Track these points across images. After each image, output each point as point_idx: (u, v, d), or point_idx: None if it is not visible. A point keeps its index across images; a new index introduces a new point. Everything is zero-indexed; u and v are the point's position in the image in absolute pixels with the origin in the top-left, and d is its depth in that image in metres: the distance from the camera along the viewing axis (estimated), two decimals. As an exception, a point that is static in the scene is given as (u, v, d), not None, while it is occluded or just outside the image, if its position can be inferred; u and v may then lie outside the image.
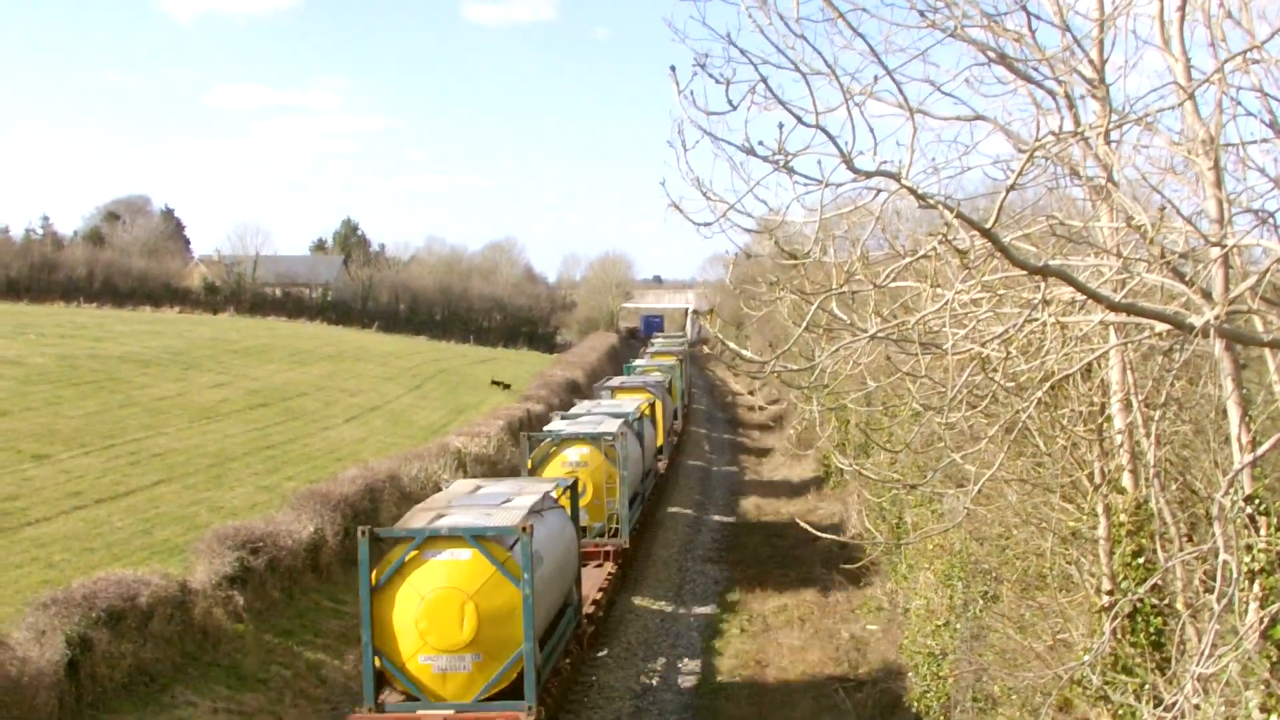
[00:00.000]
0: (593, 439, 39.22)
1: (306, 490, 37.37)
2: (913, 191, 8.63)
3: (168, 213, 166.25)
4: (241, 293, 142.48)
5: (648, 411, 52.80)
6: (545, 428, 43.15)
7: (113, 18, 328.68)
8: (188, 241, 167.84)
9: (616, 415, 44.52)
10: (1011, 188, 9.36)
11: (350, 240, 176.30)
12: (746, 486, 63.27)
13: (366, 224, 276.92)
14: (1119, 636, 14.61)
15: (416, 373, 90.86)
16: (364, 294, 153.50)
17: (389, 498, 40.09)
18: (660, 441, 58.53)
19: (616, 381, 63.81)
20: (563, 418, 45.81)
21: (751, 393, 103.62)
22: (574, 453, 38.89)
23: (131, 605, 25.71)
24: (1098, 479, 16.17)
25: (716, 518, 55.14)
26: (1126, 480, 15.38)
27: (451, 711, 23.26)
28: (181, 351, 79.33)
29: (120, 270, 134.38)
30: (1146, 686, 14.09)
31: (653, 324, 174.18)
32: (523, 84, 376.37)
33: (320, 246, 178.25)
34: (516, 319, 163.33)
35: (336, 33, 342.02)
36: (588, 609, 32.55)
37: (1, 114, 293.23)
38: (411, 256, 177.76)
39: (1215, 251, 9.92)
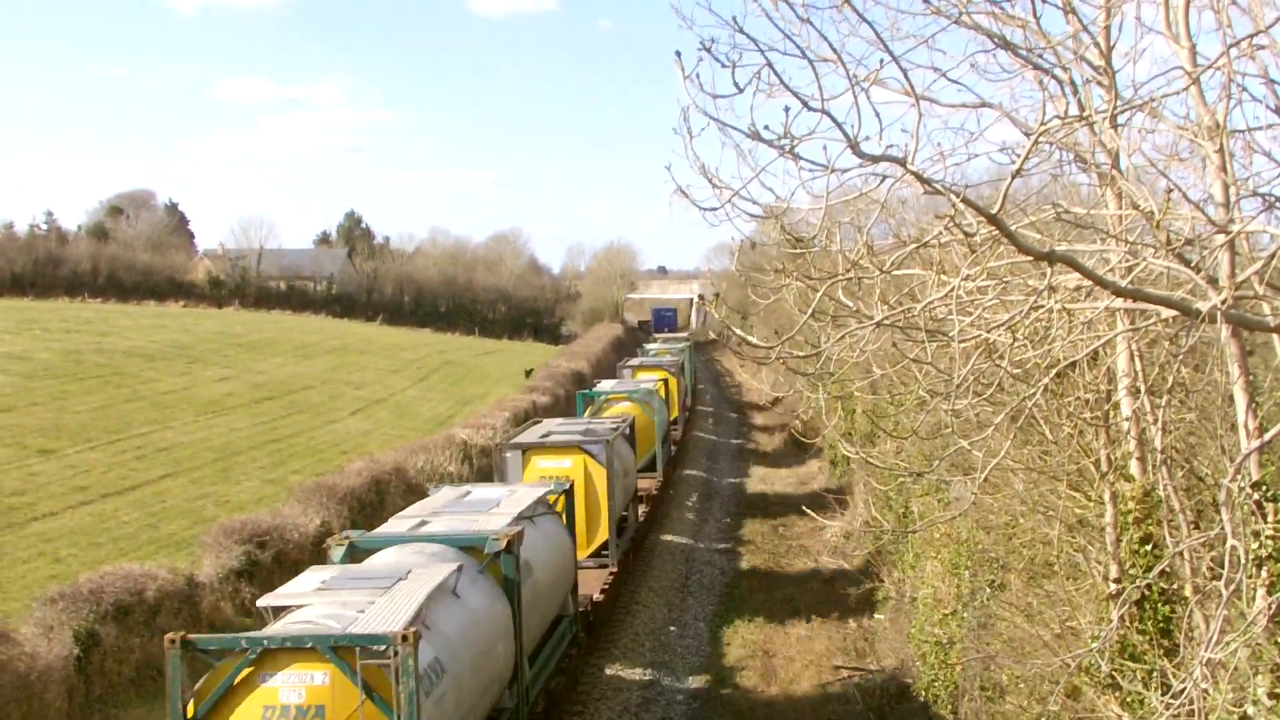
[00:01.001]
0: (338, 653, 16.03)
1: (312, 483, 37.46)
2: (918, 176, 8.61)
3: (172, 207, 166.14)
4: (246, 286, 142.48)
5: (559, 505, 29.94)
6: (264, 600, 18.57)
7: (116, 13, 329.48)
8: (192, 235, 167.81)
9: (461, 541, 22.12)
10: (1017, 173, 9.33)
11: (354, 233, 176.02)
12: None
13: (370, 217, 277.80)
14: (1127, 623, 14.58)
15: (421, 365, 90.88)
16: (368, 287, 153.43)
17: (395, 490, 40.17)
18: (599, 538, 35.03)
19: (540, 431, 37.88)
20: (343, 539, 22.09)
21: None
22: (290, 691, 16.09)
23: (139, 599, 25.77)
24: (1104, 466, 16.14)
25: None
26: (1133, 467, 15.35)
27: None
28: (186, 346, 79.41)
29: (124, 265, 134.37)
30: (1155, 673, 14.07)
31: (664, 317, 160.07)
32: (526, 76, 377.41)
33: (324, 240, 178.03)
34: (521, 310, 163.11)
35: (340, 27, 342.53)
36: None
37: (6, 109, 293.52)
38: (416, 249, 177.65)
39: (1221, 237, 9.90)
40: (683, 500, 54.97)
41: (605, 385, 57.31)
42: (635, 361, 71.35)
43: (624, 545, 37.65)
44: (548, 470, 34.04)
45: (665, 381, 61.10)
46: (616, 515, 35.95)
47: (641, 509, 44.90)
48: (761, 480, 61.66)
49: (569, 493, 30.77)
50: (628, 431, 41.89)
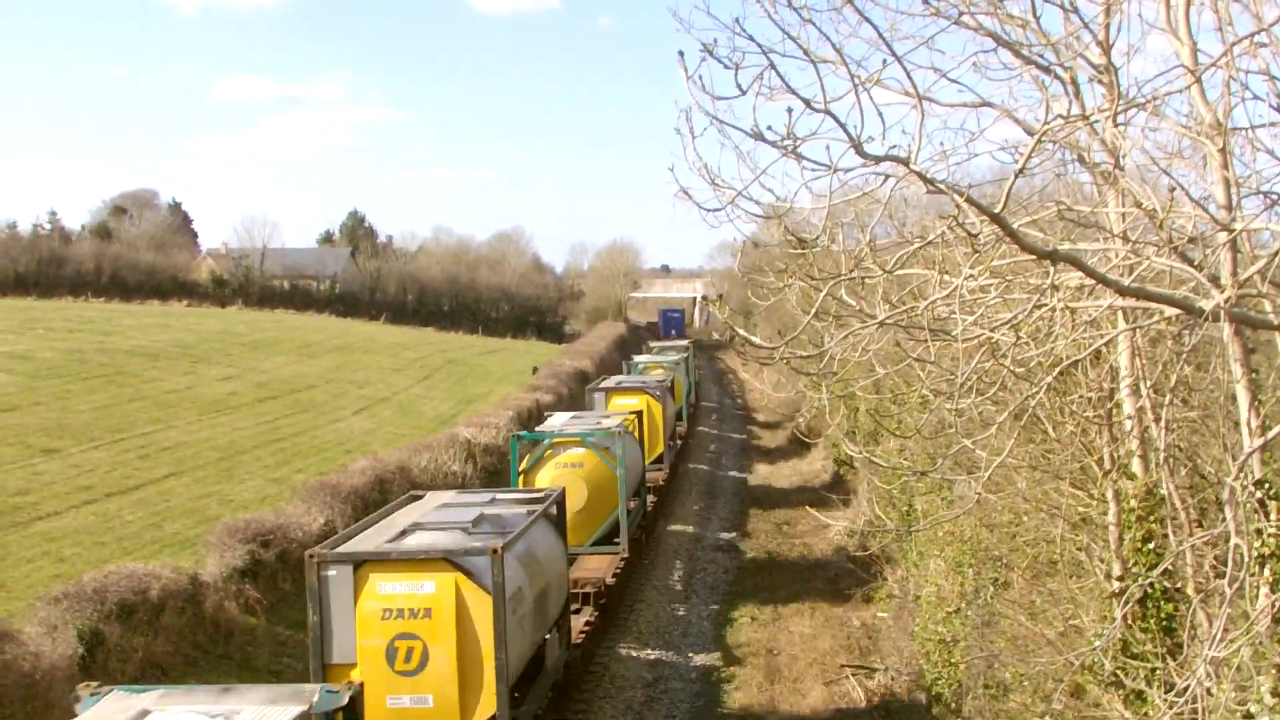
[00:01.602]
0: None
1: (316, 482, 37.44)
2: (921, 176, 8.62)
3: (175, 206, 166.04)
4: (249, 286, 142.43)
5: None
6: None
7: (116, 13, 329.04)
8: (195, 235, 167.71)
9: None
10: (1020, 172, 9.34)
11: (357, 232, 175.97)
12: None
13: (373, 216, 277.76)
14: (1130, 622, 14.59)
15: (425, 364, 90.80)
16: (371, 285, 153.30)
17: (398, 489, 40.13)
18: (481, 714, 21.48)
19: (402, 524, 23.98)
20: None
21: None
22: None
23: (143, 599, 25.76)
24: (1107, 464, 16.15)
25: None
26: (1136, 466, 15.36)
27: None
28: (190, 345, 79.38)
29: (128, 264, 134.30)
30: (1158, 672, 14.08)
31: (671, 319, 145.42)
32: (528, 74, 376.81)
33: (327, 239, 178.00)
34: (524, 309, 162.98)
35: (340, 25, 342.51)
36: None
37: (8, 109, 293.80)
38: (419, 248, 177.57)
39: (1223, 235, 9.90)
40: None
41: (556, 421, 42.75)
42: (611, 382, 56.50)
43: (533, 708, 24.24)
44: (396, 599, 21.37)
45: (643, 412, 48.79)
46: (513, 670, 22.32)
47: (584, 618, 32.04)
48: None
49: (352, 706, 15.69)
50: (554, 510, 28.18)
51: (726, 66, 8.30)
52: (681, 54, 8.37)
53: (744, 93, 8.38)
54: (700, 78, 8.36)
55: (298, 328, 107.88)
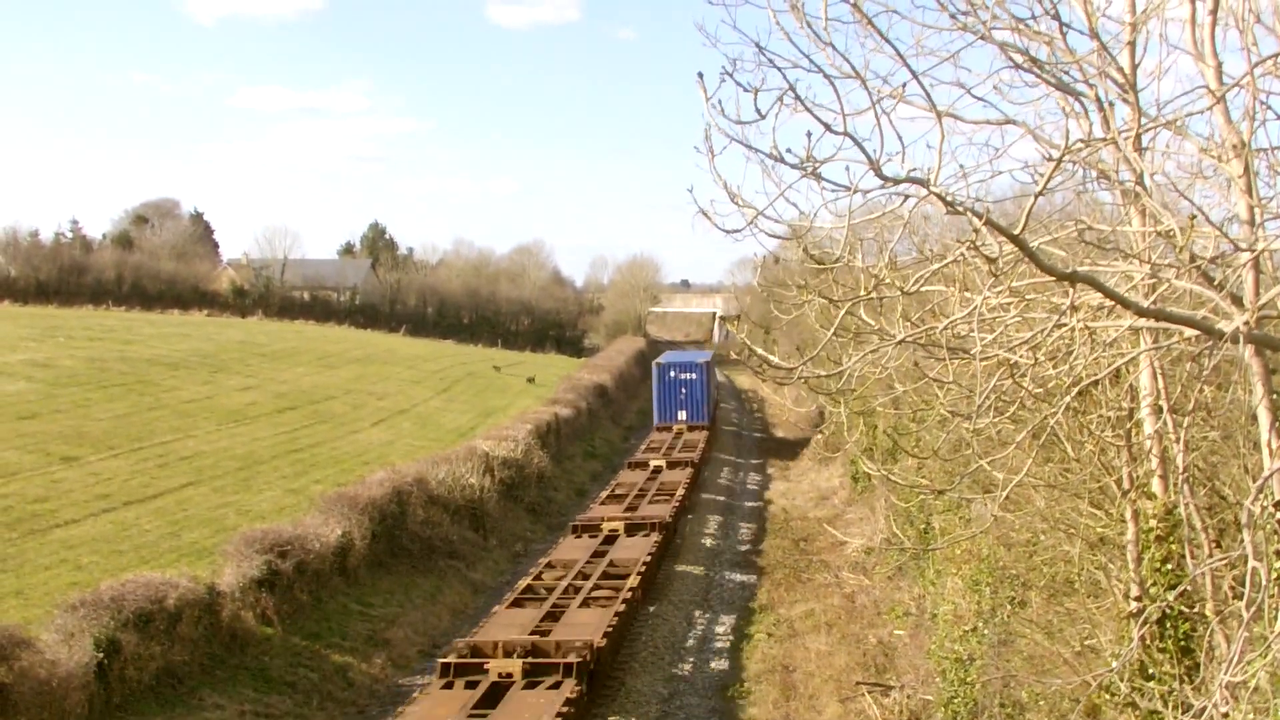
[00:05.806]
0: None
1: (334, 493, 37.48)
2: (941, 198, 8.61)
3: (197, 216, 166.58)
4: (270, 296, 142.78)
5: None
6: None
7: (135, 21, 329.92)
8: (216, 245, 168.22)
9: None
10: (1040, 193, 9.33)
11: (378, 244, 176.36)
12: None
13: (394, 227, 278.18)
14: (1147, 643, 14.54)
15: (444, 376, 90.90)
16: (392, 297, 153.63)
17: (416, 501, 40.19)
18: None
19: None
20: None
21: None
22: None
23: (159, 608, 25.82)
24: (1126, 484, 16.10)
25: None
26: (1155, 486, 15.30)
27: None
28: (210, 354, 79.61)
29: (149, 273, 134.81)
30: (1174, 693, 14.02)
31: (678, 385, 72.96)
32: (548, 85, 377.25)
33: (348, 250, 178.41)
34: (544, 322, 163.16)
35: (360, 35, 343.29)
36: None
37: (29, 116, 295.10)
38: (439, 260, 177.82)
39: (1245, 256, 9.88)
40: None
41: None
42: None
43: None
44: None
45: None
46: None
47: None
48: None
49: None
50: None
51: (746, 90, 8.31)
52: (700, 75, 8.39)
53: (763, 117, 8.37)
54: (719, 101, 8.37)
55: (317, 339, 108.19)
